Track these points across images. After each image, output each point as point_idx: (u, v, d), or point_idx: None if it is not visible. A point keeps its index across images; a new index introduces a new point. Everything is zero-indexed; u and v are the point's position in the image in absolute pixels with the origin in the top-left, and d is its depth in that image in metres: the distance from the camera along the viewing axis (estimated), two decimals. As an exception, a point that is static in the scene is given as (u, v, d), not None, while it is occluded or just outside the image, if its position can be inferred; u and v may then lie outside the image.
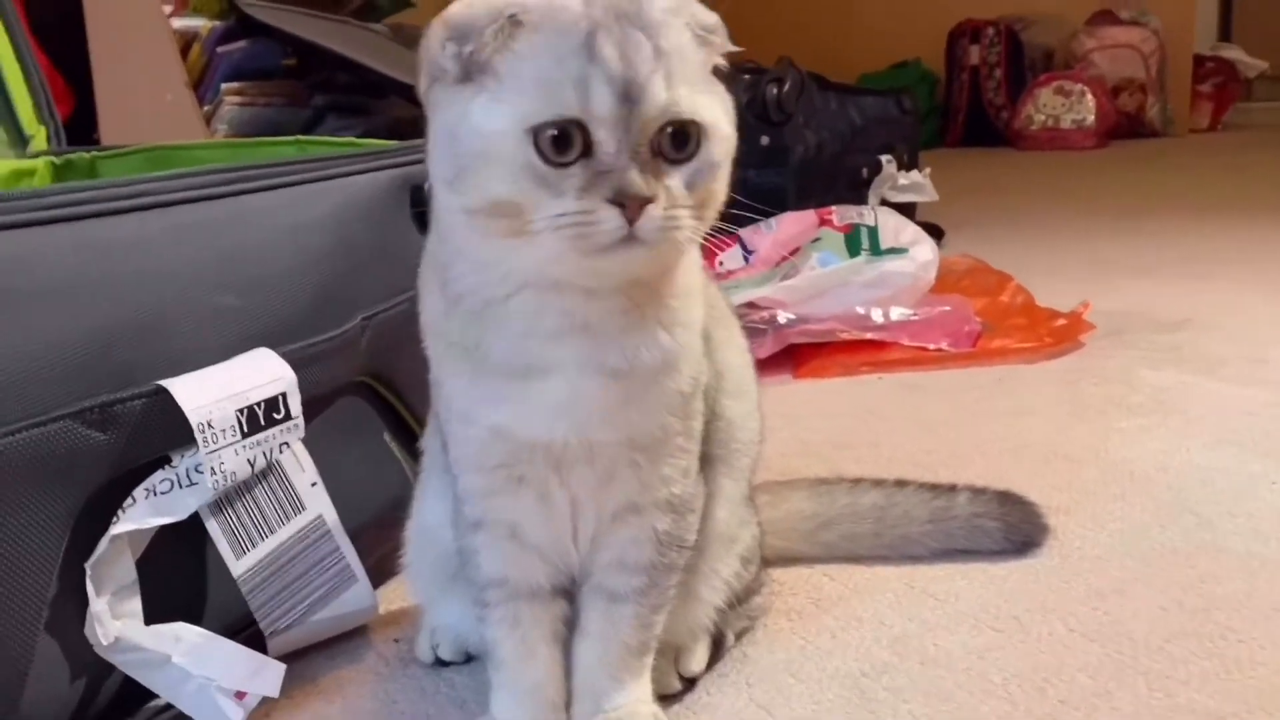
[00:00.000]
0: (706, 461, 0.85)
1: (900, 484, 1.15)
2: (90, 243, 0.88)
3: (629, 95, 0.65)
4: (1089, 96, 5.32)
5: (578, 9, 0.67)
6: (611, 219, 0.65)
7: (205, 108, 2.74)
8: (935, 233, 2.62)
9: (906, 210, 2.62)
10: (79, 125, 2.58)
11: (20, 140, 1.73)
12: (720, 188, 0.71)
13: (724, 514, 0.90)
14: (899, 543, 1.12)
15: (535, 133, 0.65)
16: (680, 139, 0.67)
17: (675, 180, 0.67)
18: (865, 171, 2.78)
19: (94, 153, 1.66)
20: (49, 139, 1.76)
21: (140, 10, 2.63)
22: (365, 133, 2.93)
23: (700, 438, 0.83)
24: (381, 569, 1.06)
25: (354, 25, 3.10)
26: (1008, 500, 1.13)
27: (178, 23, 2.70)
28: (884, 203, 2.75)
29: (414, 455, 1.19)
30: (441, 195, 0.71)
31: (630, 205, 0.65)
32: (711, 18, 0.71)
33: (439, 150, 0.69)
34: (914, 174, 2.92)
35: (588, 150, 0.65)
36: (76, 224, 0.88)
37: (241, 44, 2.77)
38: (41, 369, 0.81)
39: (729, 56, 0.75)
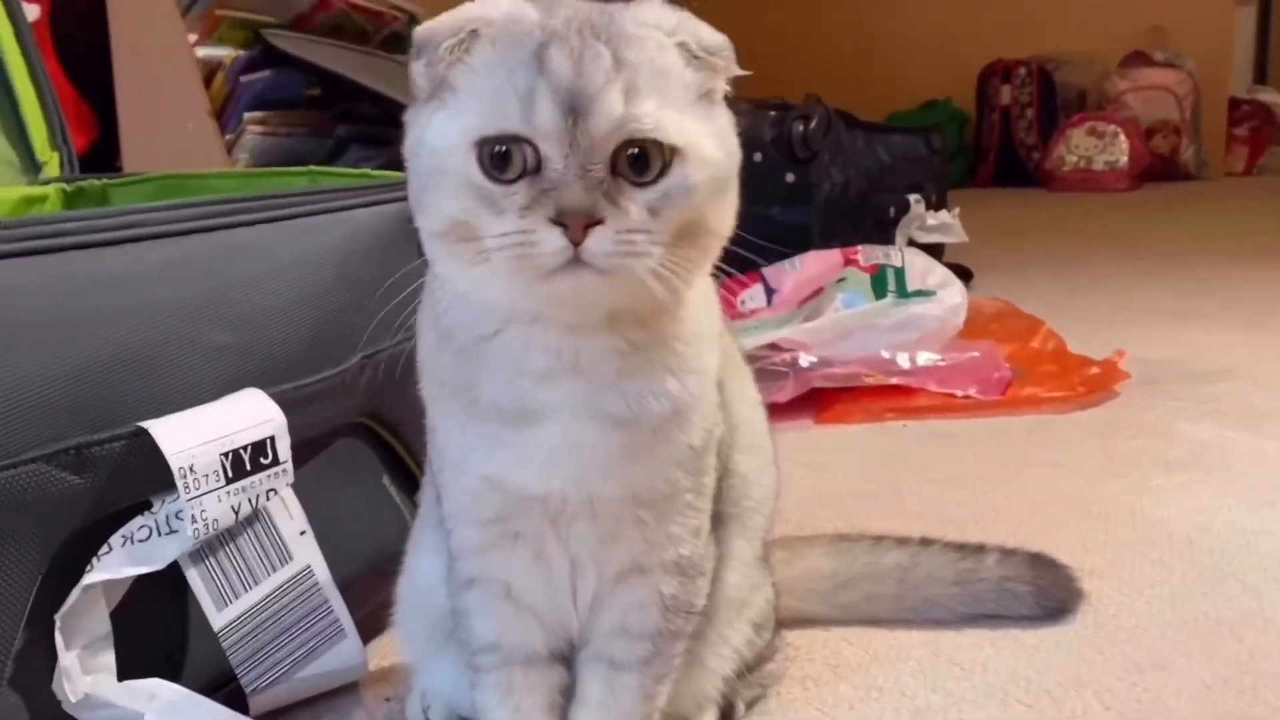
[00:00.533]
0: (718, 521, 0.80)
1: (925, 542, 1.08)
2: (75, 276, 0.84)
3: (575, 108, 0.60)
4: (1122, 138, 5.26)
5: (534, 20, 0.64)
6: (553, 239, 0.60)
7: (227, 136, 2.73)
8: (964, 274, 2.56)
9: (934, 251, 2.56)
10: (102, 153, 2.58)
11: (33, 166, 1.72)
12: (707, 218, 0.65)
13: (736, 577, 0.84)
14: (923, 605, 1.06)
15: (479, 147, 0.62)
16: (643, 160, 0.62)
17: (636, 203, 0.62)
18: (893, 211, 2.73)
19: (105, 180, 1.64)
20: (62, 166, 1.74)
21: (165, 39, 2.63)
22: (387, 163, 2.92)
23: (712, 495, 0.77)
24: (375, 621, 1.01)
25: (379, 56, 3.09)
26: (1039, 563, 1.07)
27: (202, 52, 2.69)
28: (911, 243, 2.69)
29: (414, 500, 1.14)
30: (416, 220, 0.66)
31: (573, 225, 0.60)
32: (716, 38, 0.67)
33: (409, 171, 0.66)
34: (943, 214, 2.86)
35: (537, 168, 0.61)
36: (60, 255, 0.84)
37: (265, 74, 2.76)
38: (14, 408, 0.77)
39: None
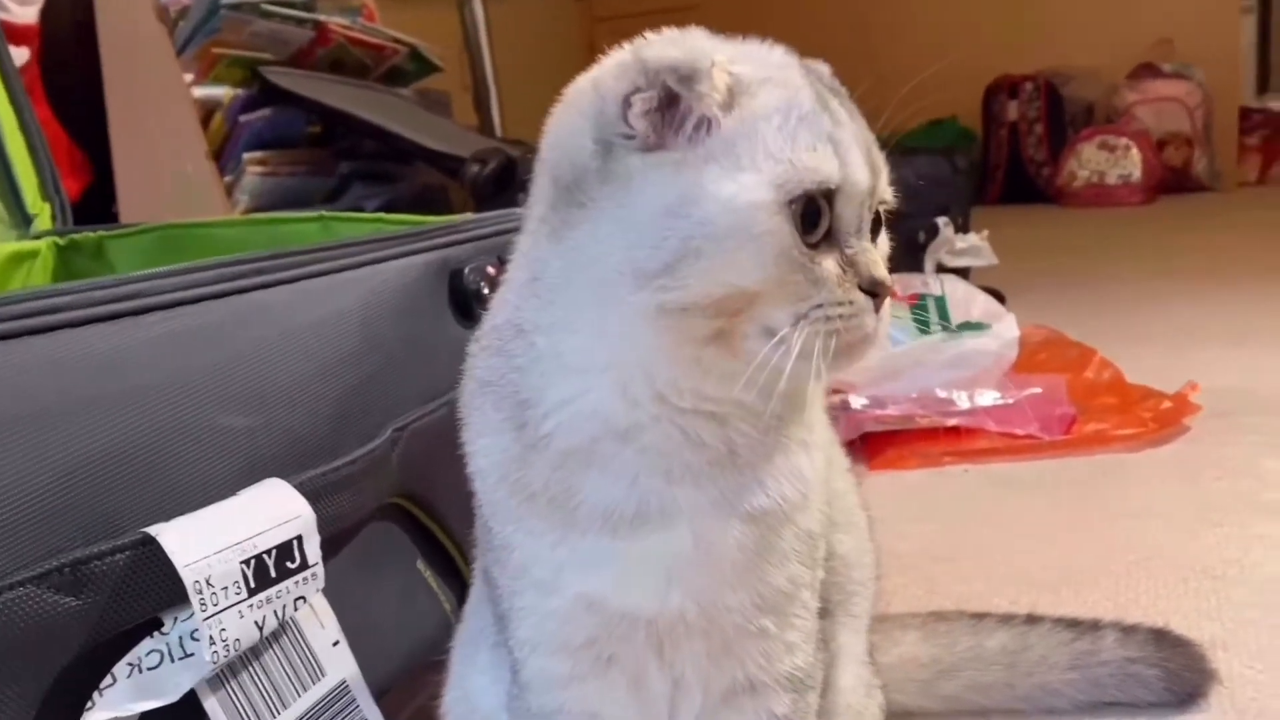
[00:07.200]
0: (823, 614, 0.68)
1: (1032, 620, 0.96)
2: (65, 359, 0.72)
3: (873, 165, 0.56)
4: (1134, 151, 5.16)
5: (795, 63, 0.57)
6: (869, 311, 0.54)
7: (227, 178, 2.63)
8: (997, 298, 2.45)
9: (961, 275, 2.45)
10: (97, 198, 2.48)
11: (23, 220, 1.61)
12: None
13: (849, 679, 0.72)
14: (1036, 694, 0.94)
15: (793, 205, 0.53)
16: (875, 221, 0.58)
17: None
18: (922, 235, 2.61)
19: (101, 232, 1.53)
20: (54, 217, 1.64)
21: (160, 79, 2.54)
22: (392, 200, 2.82)
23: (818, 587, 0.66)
24: (414, 730, 0.89)
25: (379, 91, 3.00)
26: (1165, 640, 0.95)
27: (199, 91, 2.60)
28: (941, 268, 2.59)
29: (451, 585, 1.03)
30: (620, 292, 0.54)
31: (882, 294, 0.55)
32: None
33: (634, 234, 0.53)
34: (971, 237, 2.76)
35: (827, 230, 0.54)
36: (48, 336, 0.72)
37: (264, 112, 2.67)
38: (-2, 521, 0.64)
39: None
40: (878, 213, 0.58)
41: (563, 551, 0.59)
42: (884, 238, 0.60)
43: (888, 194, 0.59)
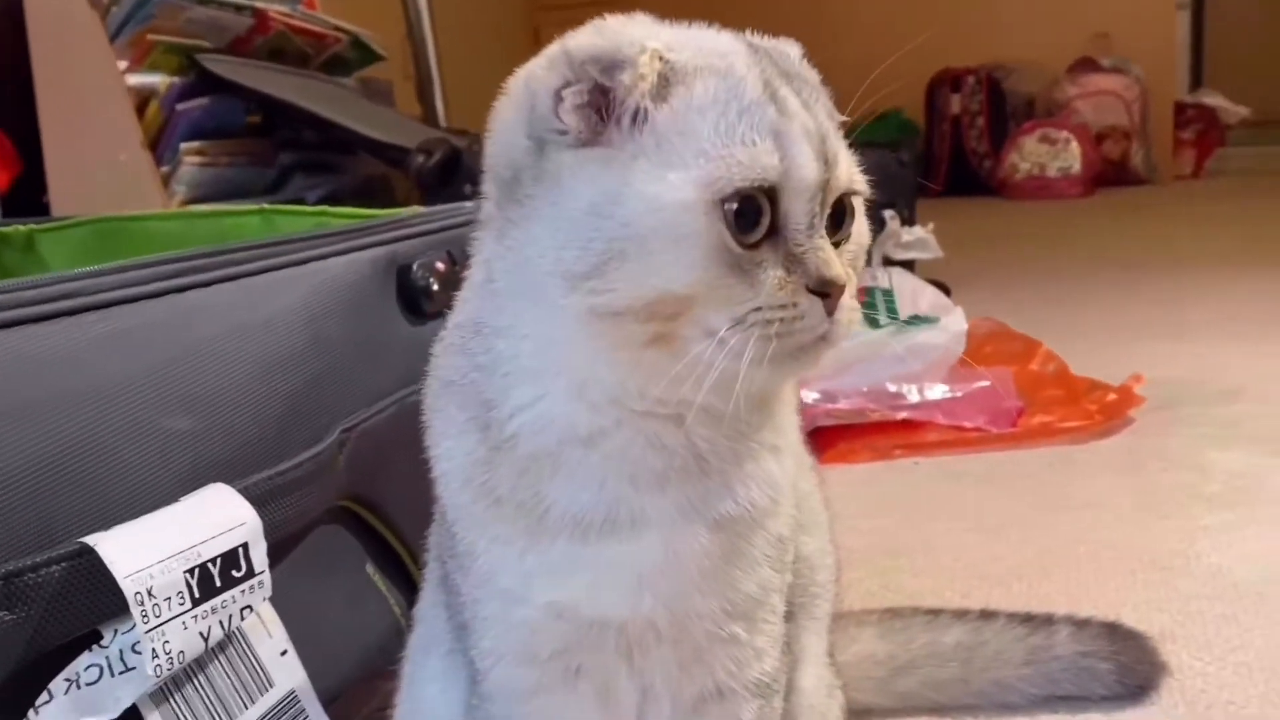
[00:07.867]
0: (787, 617, 0.67)
1: (986, 616, 0.97)
2: (-3, 361, 0.69)
3: (826, 157, 0.52)
4: (1074, 144, 5.24)
5: (742, 50, 0.54)
6: (816, 313, 0.52)
7: (163, 169, 2.56)
8: (943, 290, 2.47)
9: (906, 268, 2.47)
10: (28, 189, 2.41)
11: (-50, 212, 1.55)
12: None
13: (811, 681, 0.72)
14: (991, 689, 0.94)
15: (726, 203, 0.50)
16: (839, 214, 0.55)
17: (846, 263, 0.54)
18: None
19: (31, 225, 1.48)
20: (-18, 210, 1.58)
21: (93, 66, 2.47)
22: (334, 191, 2.77)
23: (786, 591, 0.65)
24: (365, 737, 0.87)
25: (321, 80, 2.94)
26: (1117, 634, 0.96)
27: (133, 79, 2.52)
28: (887, 261, 2.61)
29: (401, 589, 1.00)
30: (554, 295, 0.52)
31: (834, 294, 0.52)
32: None
33: (564, 235, 0.52)
34: (917, 230, 2.78)
35: (774, 227, 0.52)
36: (-22, 338, 0.69)
37: (202, 101, 2.60)
38: (-75, 533, 0.62)
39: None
40: (845, 203, 0.56)
41: (531, 559, 0.57)
42: (860, 226, 0.58)
43: (855, 182, 0.56)
